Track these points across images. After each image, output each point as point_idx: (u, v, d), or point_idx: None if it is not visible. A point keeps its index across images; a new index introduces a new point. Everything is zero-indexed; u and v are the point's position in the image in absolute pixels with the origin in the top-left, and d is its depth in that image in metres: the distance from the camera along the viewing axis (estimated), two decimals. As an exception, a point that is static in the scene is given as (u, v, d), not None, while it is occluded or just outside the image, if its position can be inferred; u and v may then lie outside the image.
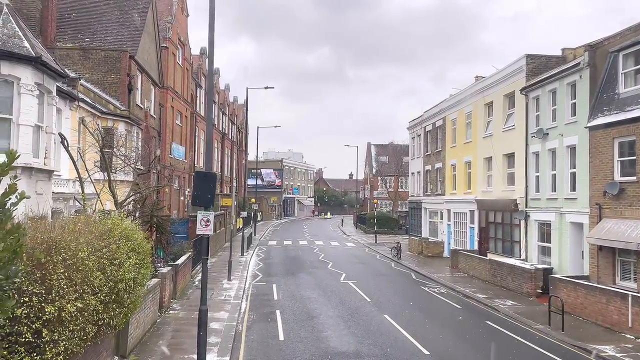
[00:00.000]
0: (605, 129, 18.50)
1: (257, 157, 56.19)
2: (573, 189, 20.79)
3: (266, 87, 42.64)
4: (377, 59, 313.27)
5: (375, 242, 45.36)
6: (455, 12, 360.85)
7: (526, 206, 24.28)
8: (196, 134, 40.44)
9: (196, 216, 11.42)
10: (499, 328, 16.09)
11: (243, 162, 65.15)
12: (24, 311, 6.43)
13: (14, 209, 3.13)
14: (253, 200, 55.47)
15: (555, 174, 22.14)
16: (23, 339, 6.40)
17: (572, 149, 20.87)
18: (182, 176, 35.55)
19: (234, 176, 59.40)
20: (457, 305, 19.62)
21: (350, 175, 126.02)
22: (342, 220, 79.32)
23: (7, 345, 6.04)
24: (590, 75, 19.74)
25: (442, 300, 20.63)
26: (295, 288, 22.57)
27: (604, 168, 18.51)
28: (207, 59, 15.22)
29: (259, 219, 63.22)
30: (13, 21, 12.18)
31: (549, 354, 13.44)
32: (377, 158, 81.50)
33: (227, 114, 56.84)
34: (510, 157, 26.44)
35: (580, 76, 20.30)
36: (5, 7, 12.18)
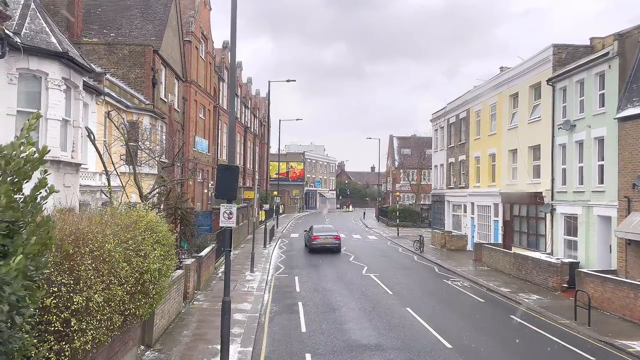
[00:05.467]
0: (635, 120, 18.01)
1: (279, 150, 56.43)
2: (601, 181, 20.34)
3: (288, 80, 42.60)
4: (392, 54, 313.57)
5: (398, 235, 45.16)
6: (466, 8, 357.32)
7: (552, 199, 23.86)
8: (219, 127, 40.73)
9: (219, 209, 11.52)
10: (523, 322, 15.90)
11: (265, 155, 65.44)
12: (53, 301, 6.57)
13: (44, 202, 3.21)
14: (275, 193, 55.78)
15: (582, 167, 21.68)
16: (52, 328, 6.56)
17: (600, 140, 20.40)
18: (205, 169, 35.90)
19: (256, 169, 59.74)
20: (480, 299, 19.44)
21: (372, 168, 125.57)
22: (364, 213, 79.12)
23: (37, 334, 6.20)
24: (620, 65, 19.22)
25: (465, 294, 20.46)
26: (317, 280, 22.65)
27: (633, 160, 18.05)
28: (229, 52, 15.28)
29: (281, 211, 63.55)
30: (40, 17, 12.42)
31: (574, 349, 13.24)
32: (400, 150, 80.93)
33: (249, 107, 57.09)
34: (536, 149, 25.97)
35: (609, 66, 19.79)
36: (32, 3, 12.42)
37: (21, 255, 2.68)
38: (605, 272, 18.35)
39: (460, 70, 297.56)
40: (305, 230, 38.02)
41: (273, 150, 73.57)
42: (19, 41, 11.42)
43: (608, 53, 19.69)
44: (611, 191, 19.37)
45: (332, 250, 32.82)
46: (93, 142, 14.80)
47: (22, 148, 2.73)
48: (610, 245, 19.72)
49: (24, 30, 11.80)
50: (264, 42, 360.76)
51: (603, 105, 20.26)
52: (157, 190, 18.31)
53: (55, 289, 6.65)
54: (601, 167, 20.38)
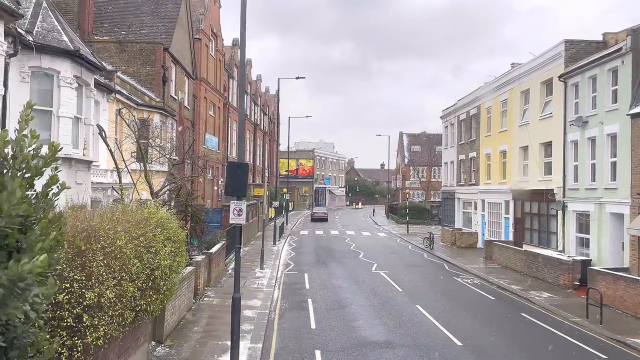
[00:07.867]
0: (648, 116, 17.81)
1: (288, 147, 56.40)
2: (613, 178, 20.13)
3: (297, 77, 42.55)
4: (398, 52, 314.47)
5: (407, 232, 45.06)
6: (471, 8, 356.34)
7: (564, 196, 23.66)
8: (229, 125, 40.84)
9: (229, 206, 11.57)
10: (534, 320, 15.80)
11: (275, 152, 65.51)
12: (65, 297, 6.63)
13: (56, 199, 3.23)
14: (285, 190, 55.86)
15: (594, 163, 21.47)
16: (65, 324, 6.62)
17: (613, 137, 20.18)
18: (215, 166, 36.03)
19: (266, 166, 59.83)
20: (490, 297, 19.36)
21: (382, 165, 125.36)
22: (374, 210, 79.04)
23: (49, 330, 6.26)
24: (633, 61, 18.99)
25: (475, 292, 20.38)
26: (327, 277, 22.67)
27: (646, 157, 17.85)
28: (239, 50, 15.30)
29: (290, 208, 63.65)
30: (52, 16, 12.52)
31: (586, 347, 13.14)
32: (410, 147, 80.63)
33: (258, 104, 57.15)
34: (548, 145, 25.75)
35: (622, 62, 19.55)
36: (44, 2, 12.53)
37: (45, 254, 2.69)
38: (617, 269, 18.17)
39: (466, 68, 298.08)
40: (310, 210, 66.31)
41: (282, 147, 73.63)
42: (31, 39, 11.53)
43: (621, 48, 19.45)
44: (624, 188, 19.17)
45: (323, 219, 57.93)
46: (104, 139, 14.92)
47: (26, 141, 2.74)
48: (623, 243, 19.53)
49: (36, 29, 11.91)
50: (271, 41, 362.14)
51: (616, 102, 20.03)
52: (167, 187, 18.42)
53: (68, 285, 6.71)
54: (613, 164, 20.17)
